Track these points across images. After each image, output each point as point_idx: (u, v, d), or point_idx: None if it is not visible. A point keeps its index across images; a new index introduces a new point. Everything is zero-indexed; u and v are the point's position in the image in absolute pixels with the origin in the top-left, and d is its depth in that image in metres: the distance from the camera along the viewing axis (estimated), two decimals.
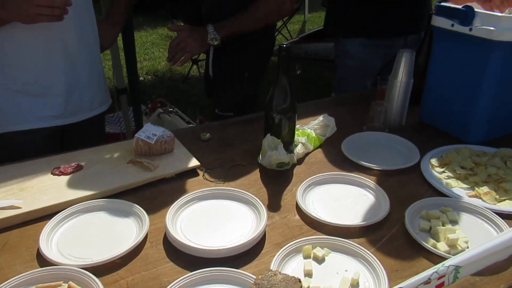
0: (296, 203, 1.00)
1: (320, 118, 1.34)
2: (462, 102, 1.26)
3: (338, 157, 1.22)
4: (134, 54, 2.36)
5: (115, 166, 1.13)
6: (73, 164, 1.12)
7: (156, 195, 1.05)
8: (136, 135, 1.17)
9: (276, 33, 5.25)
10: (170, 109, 2.76)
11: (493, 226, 0.93)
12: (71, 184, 1.04)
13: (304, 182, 1.07)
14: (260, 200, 0.98)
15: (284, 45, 1.06)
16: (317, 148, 1.28)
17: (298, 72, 4.26)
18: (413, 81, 1.35)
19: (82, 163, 1.13)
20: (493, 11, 1.17)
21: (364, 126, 1.37)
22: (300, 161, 1.21)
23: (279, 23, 5.20)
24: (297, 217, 0.97)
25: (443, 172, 1.14)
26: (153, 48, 5.66)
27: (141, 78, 4.65)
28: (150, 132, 1.18)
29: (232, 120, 1.47)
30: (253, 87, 1.67)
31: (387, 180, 1.11)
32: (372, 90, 1.64)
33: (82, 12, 1.32)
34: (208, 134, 1.33)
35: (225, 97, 1.69)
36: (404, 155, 1.23)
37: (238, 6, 1.49)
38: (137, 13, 6.64)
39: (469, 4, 1.17)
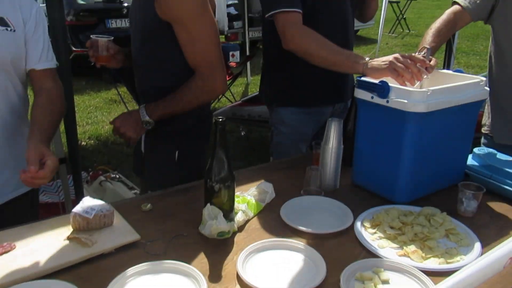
0: (237, 273, 1.02)
1: (259, 184, 1.40)
2: (387, 165, 1.37)
3: (277, 223, 1.27)
4: (75, 120, 2.34)
5: (51, 244, 1.09)
6: (4, 244, 1.07)
7: (94, 272, 1.02)
8: (73, 210, 1.16)
9: (220, 96, 5.43)
10: (112, 176, 2.71)
11: (420, 284, 1.00)
12: (1, 267, 0.99)
13: (245, 250, 1.09)
14: (201, 272, 0.99)
15: (220, 120, 1.12)
16: (257, 214, 1.32)
17: (242, 134, 4.38)
18: (343, 146, 1.46)
19: (14, 243, 1.09)
20: (405, 86, 1.32)
21: (302, 190, 1.44)
22: (241, 228, 1.24)
23: None
24: (238, 286, 0.99)
25: (375, 233, 1.21)
26: (96, 112, 5.62)
27: (83, 143, 4.56)
28: (88, 206, 1.17)
29: (173, 189, 1.48)
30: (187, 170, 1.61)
31: (324, 244, 1.16)
32: (308, 154, 1.73)
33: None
34: (149, 204, 1.34)
35: (156, 178, 1.64)
36: (339, 217, 1.30)
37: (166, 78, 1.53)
38: (80, 77, 6.62)
39: (384, 79, 1.32)
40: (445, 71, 1.55)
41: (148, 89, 1.60)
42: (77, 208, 1.16)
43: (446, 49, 3.83)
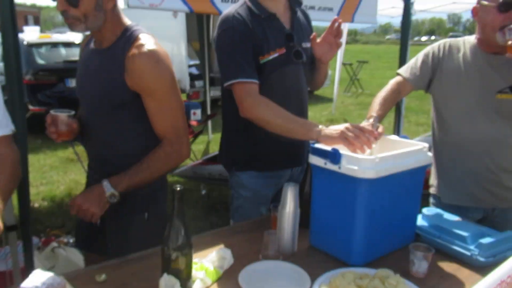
0: None
1: (218, 250, 1.40)
2: (342, 228, 1.42)
3: None
4: (27, 182, 2.27)
5: None
6: None
7: None
8: (21, 285, 1.11)
9: None
10: (65, 241, 2.60)
11: None
12: None
13: None
14: None
15: (178, 188, 1.14)
16: (215, 281, 1.31)
17: (203, 193, 4.37)
18: (300, 210, 1.50)
19: None
20: (356, 153, 1.40)
21: (260, 255, 1.45)
22: None
23: None
24: None
25: None
26: (52, 171, 5.45)
27: (36, 205, 4.37)
28: (38, 280, 1.12)
29: (129, 258, 1.45)
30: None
31: None
32: (268, 216, 1.76)
33: None
34: (104, 275, 1.30)
35: (122, 246, 1.59)
36: (297, 282, 1.30)
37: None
38: (36, 135, 6.46)
39: (336, 146, 1.40)
40: (391, 137, 1.65)
41: (109, 156, 1.60)
42: (26, 283, 1.11)
43: (396, 110, 4.08)
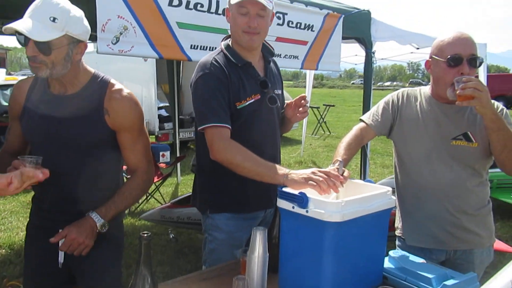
0: None
1: None
2: (310, 272, 1.42)
3: None
4: None
5: None
6: None
7: None
8: None
9: (149, 197, 5.34)
10: None
11: None
12: None
13: None
14: None
15: (145, 235, 1.13)
16: None
17: (171, 237, 4.27)
18: (268, 254, 1.50)
19: None
20: (322, 198, 1.44)
21: None
22: None
23: (152, 187, 5.33)
24: None
25: None
26: (11, 217, 5.20)
27: None
28: None
29: None
30: None
31: None
32: (238, 261, 1.74)
33: None
34: None
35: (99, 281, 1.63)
36: None
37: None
38: None
39: (303, 190, 1.43)
40: (356, 181, 1.71)
41: (83, 194, 1.65)
42: None
43: (362, 152, 4.20)
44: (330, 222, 1.34)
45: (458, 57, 1.69)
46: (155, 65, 7.71)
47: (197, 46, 2.53)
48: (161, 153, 7.13)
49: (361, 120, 2.01)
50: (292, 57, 3.19)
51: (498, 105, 1.80)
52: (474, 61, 1.70)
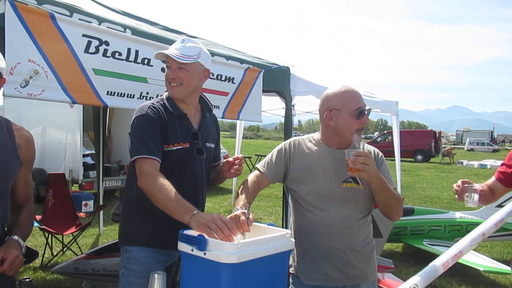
0: None
1: None
2: None
3: None
4: None
5: None
6: None
7: None
8: None
9: (65, 249, 5.01)
10: None
11: None
12: None
13: None
14: None
15: (27, 280, 1.08)
16: None
17: None
18: None
19: None
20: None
21: None
22: None
23: (68, 238, 5.02)
24: None
25: None
26: None
27: None
28: None
29: None
30: None
31: None
32: None
33: None
34: None
35: None
36: None
37: None
38: None
39: (203, 234, 1.46)
40: (259, 224, 1.77)
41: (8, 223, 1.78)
42: None
43: (283, 201, 4.32)
44: (226, 264, 1.38)
45: (363, 110, 1.95)
46: (81, 112, 7.51)
47: (114, 92, 2.54)
48: (83, 202, 6.79)
49: (256, 168, 2.12)
50: (214, 106, 3.28)
51: (378, 152, 2.09)
52: (369, 112, 2.00)
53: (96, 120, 6.00)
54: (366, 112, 1.96)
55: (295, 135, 2.44)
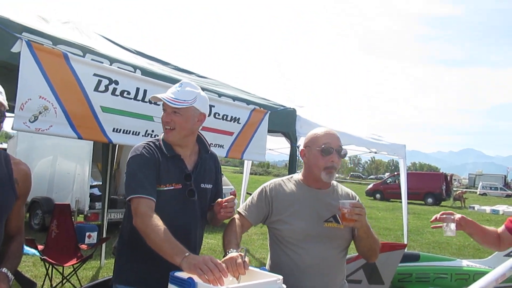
0: None
1: None
2: None
3: None
4: None
5: None
6: None
7: None
8: None
9: (65, 281, 4.97)
10: None
11: None
12: None
13: None
14: None
15: None
16: None
17: None
18: None
19: None
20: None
21: None
22: None
23: (69, 269, 5.00)
24: None
25: None
26: None
27: None
28: None
29: None
30: None
31: None
32: None
33: None
34: None
35: None
36: None
37: None
38: None
39: (192, 276, 1.47)
40: (252, 268, 1.77)
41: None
42: None
43: None
44: None
45: (330, 147, 2.01)
46: (92, 143, 7.65)
47: (120, 129, 2.62)
48: (87, 234, 6.80)
49: (238, 212, 2.15)
50: (218, 145, 3.35)
51: (355, 195, 2.17)
52: (340, 151, 2.04)
53: (105, 152, 6.10)
54: (334, 151, 2.01)
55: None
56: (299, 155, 4.37)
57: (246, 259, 1.76)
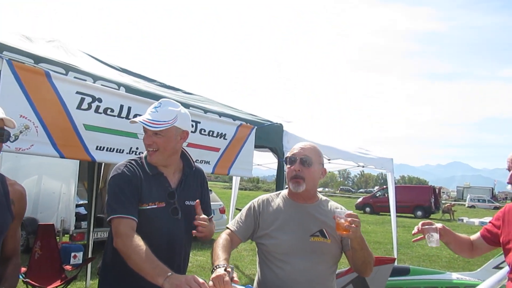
0: None
1: None
2: None
3: None
4: None
5: None
6: None
7: None
8: None
9: None
10: None
11: None
12: None
13: None
14: None
15: None
16: None
17: None
18: None
19: None
20: None
21: None
22: None
23: None
24: None
25: None
26: None
27: None
28: None
29: None
30: None
31: None
32: None
33: None
34: None
35: None
36: None
37: None
38: None
39: None
40: (236, 286, 1.73)
41: None
42: None
43: None
44: None
45: (293, 157, 2.09)
46: (78, 161, 7.54)
47: (104, 147, 2.59)
48: (72, 254, 6.64)
49: (227, 227, 2.13)
50: (204, 162, 3.33)
51: (343, 208, 2.11)
52: (304, 160, 2.05)
53: (91, 170, 6.02)
54: (297, 159, 2.05)
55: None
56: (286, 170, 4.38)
57: (235, 275, 1.74)
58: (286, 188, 2.20)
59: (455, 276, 5.69)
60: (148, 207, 1.95)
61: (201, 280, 1.56)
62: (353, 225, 1.83)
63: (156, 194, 1.99)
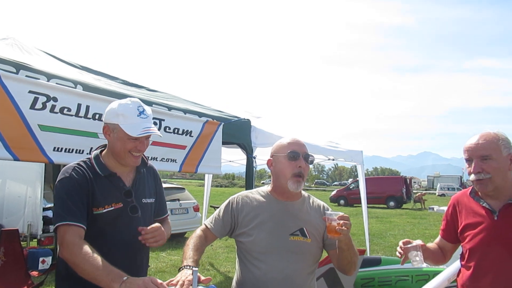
0: None
1: None
2: None
3: None
4: None
5: None
6: None
7: None
8: None
9: None
10: None
11: None
12: None
13: None
14: None
15: None
16: None
17: None
18: None
19: None
20: None
21: None
22: None
23: None
24: None
25: None
26: None
27: None
28: None
29: None
30: None
31: None
32: None
33: None
34: None
35: None
36: None
37: None
38: None
39: None
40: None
41: None
42: None
43: None
44: None
45: (296, 152, 1.96)
46: (43, 164, 7.31)
47: (62, 148, 2.49)
48: (40, 259, 6.45)
49: (204, 224, 2.09)
50: (170, 160, 3.27)
51: (327, 208, 2.09)
52: (307, 158, 1.99)
53: (57, 172, 5.84)
54: (302, 156, 1.97)
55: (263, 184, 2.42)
56: (255, 166, 4.35)
57: (202, 278, 1.71)
58: (264, 184, 2.15)
59: (425, 264, 5.84)
60: (104, 211, 1.88)
61: (159, 281, 1.52)
62: (344, 228, 1.79)
63: (111, 195, 1.91)
